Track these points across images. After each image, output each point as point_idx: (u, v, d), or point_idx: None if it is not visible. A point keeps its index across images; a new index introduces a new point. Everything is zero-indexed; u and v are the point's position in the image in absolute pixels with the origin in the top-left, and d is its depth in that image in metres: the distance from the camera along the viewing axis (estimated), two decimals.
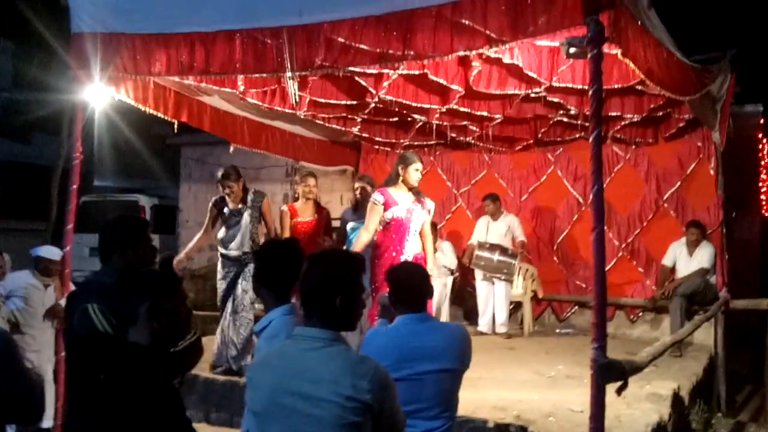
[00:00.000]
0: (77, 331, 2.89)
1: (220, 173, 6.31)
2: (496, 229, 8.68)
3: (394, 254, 5.46)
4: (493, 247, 8.34)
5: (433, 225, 9.08)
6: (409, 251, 5.59)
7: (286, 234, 6.79)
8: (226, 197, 6.30)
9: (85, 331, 2.83)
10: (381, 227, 5.58)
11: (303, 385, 2.20)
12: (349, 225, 6.72)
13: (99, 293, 2.91)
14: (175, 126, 6.79)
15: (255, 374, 2.36)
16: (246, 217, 6.25)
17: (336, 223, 7.49)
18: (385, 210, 5.53)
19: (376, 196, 5.58)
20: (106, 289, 2.84)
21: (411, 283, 3.20)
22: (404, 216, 5.59)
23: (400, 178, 5.65)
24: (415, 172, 5.66)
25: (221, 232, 6.40)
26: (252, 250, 6.08)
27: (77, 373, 2.84)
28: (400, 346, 3.03)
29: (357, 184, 7.01)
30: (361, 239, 5.51)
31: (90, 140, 14.36)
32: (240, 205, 6.27)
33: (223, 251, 6.35)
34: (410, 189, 5.68)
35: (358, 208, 6.75)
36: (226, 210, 6.34)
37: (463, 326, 3.42)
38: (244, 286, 6.16)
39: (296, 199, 6.87)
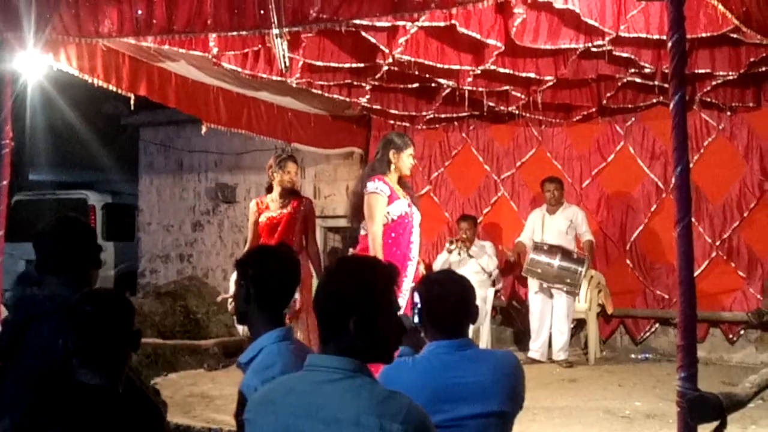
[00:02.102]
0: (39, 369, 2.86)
1: None
2: (555, 225, 8.66)
3: (401, 260, 5.49)
4: (552, 250, 8.28)
5: (472, 219, 9.20)
6: (415, 255, 5.67)
7: (250, 236, 6.74)
8: None
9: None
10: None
11: (316, 428, 2.21)
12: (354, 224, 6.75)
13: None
14: (132, 102, 6.83)
15: (255, 415, 2.37)
16: None
17: (335, 222, 7.47)
18: (388, 203, 5.57)
19: (380, 186, 5.58)
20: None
21: (451, 300, 3.15)
22: (408, 211, 5.66)
23: (392, 165, 5.70)
24: (408, 159, 5.74)
25: None
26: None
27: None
28: (433, 383, 2.99)
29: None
30: (377, 240, 5.51)
31: (22, 122, 14.42)
32: None
33: None
34: (399, 179, 5.77)
35: None
36: None
37: (513, 355, 3.40)
38: None
39: (269, 190, 6.77)
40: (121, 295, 2.85)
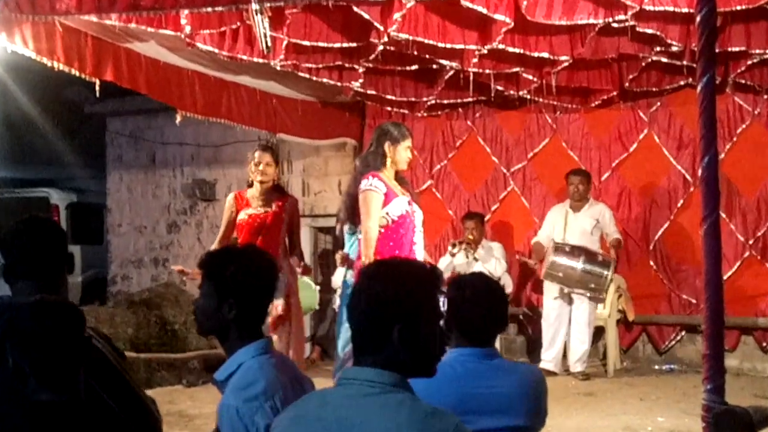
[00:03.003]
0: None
1: None
2: (579, 224, 8.66)
3: None
4: (574, 251, 8.27)
5: (479, 218, 9.21)
6: (420, 257, 5.68)
7: (222, 231, 6.72)
8: None
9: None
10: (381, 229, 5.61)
11: None
12: (348, 226, 6.74)
13: None
14: (97, 88, 6.82)
15: (283, 431, 2.38)
16: None
17: (327, 222, 7.46)
18: (386, 203, 5.59)
19: (374, 183, 5.58)
20: None
21: (483, 305, 3.20)
22: (409, 209, 5.69)
23: (388, 159, 5.72)
24: (406, 152, 5.76)
25: None
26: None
27: None
28: (455, 391, 3.03)
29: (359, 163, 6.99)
30: (369, 236, 5.51)
31: None
32: None
33: None
34: (396, 175, 5.79)
35: None
36: None
37: (537, 369, 3.43)
38: None
39: (250, 185, 6.79)
40: (70, 305, 2.86)
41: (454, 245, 8.82)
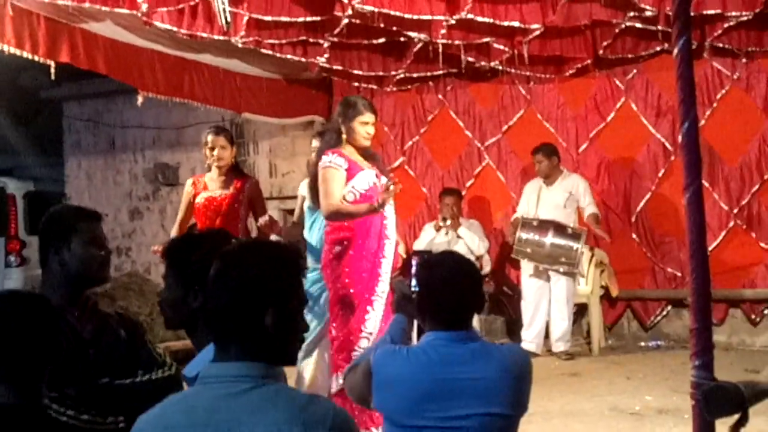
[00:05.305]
0: None
1: None
2: (551, 198, 8.66)
3: (376, 245, 5.51)
4: (543, 226, 8.29)
5: (457, 194, 9.20)
6: (392, 234, 5.61)
7: (179, 216, 6.74)
8: None
9: None
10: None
11: None
12: (307, 204, 6.72)
13: None
14: (52, 71, 6.74)
15: None
16: None
17: (294, 203, 7.45)
18: (349, 177, 5.50)
19: (334, 159, 5.49)
20: None
21: (456, 288, 3.14)
22: (377, 182, 5.59)
23: (342, 136, 5.61)
24: (361, 127, 5.58)
25: None
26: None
27: None
28: (429, 378, 3.02)
29: (315, 143, 6.95)
30: (345, 209, 5.43)
31: None
32: None
33: None
34: (363, 151, 5.68)
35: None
36: None
37: (522, 350, 3.40)
38: None
39: (209, 169, 6.80)
40: (40, 298, 2.81)
41: (444, 219, 8.73)
